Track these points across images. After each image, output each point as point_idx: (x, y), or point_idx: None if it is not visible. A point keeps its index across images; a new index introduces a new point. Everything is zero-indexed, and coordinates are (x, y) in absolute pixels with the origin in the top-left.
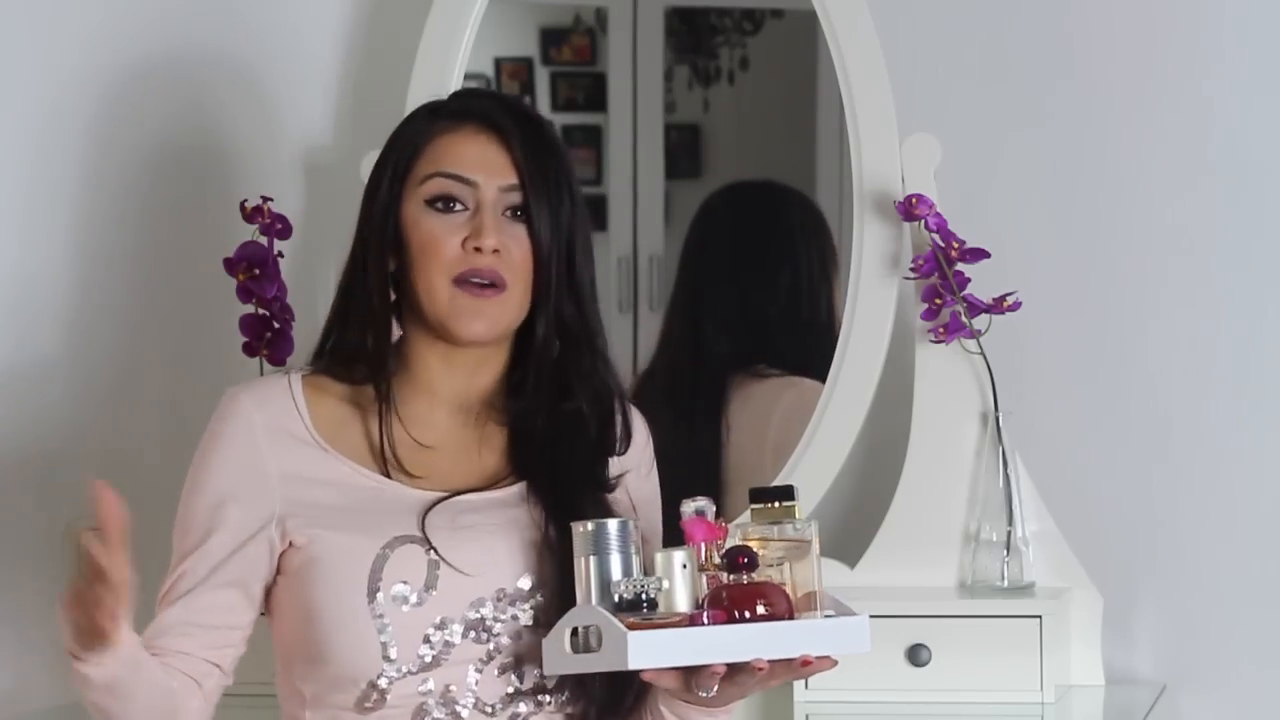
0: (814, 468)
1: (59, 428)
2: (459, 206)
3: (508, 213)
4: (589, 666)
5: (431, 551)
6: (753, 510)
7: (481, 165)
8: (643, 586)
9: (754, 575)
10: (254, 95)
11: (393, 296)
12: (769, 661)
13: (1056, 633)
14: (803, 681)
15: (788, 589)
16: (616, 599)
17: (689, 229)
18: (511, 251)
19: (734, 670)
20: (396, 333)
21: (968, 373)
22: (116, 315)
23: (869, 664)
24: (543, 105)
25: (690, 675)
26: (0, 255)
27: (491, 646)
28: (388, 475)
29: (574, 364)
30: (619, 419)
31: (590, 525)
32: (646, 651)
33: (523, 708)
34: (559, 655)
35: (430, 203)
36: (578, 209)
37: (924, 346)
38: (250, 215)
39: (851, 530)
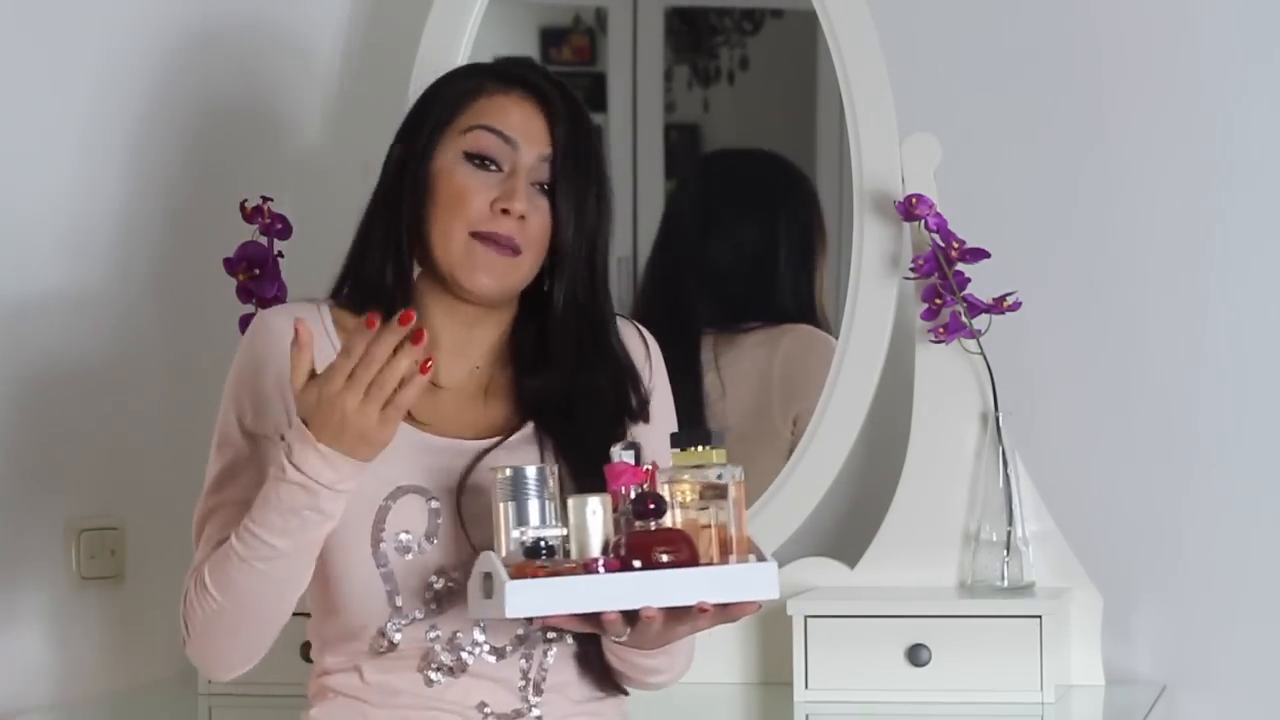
0: (814, 468)
1: (58, 428)
2: (494, 167)
3: (537, 185)
4: (490, 613)
5: (432, 501)
6: (674, 455)
7: (524, 129)
8: (541, 534)
9: (664, 521)
10: (254, 95)
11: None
12: (660, 610)
13: (1056, 633)
14: (803, 681)
15: (711, 534)
16: (520, 546)
17: (668, 198)
18: (532, 222)
19: (629, 616)
20: (416, 270)
21: (968, 373)
22: (116, 316)
23: (869, 664)
24: None
25: (589, 620)
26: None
27: None
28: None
29: (586, 342)
30: (635, 393)
31: (508, 470)
32: (525, 599)
33: (535, 649)
34: (474, 601)
35: (469, 156)
36: (604, 201)
37: (924, 346)
38: (250, 215)
39: (851, 530)
